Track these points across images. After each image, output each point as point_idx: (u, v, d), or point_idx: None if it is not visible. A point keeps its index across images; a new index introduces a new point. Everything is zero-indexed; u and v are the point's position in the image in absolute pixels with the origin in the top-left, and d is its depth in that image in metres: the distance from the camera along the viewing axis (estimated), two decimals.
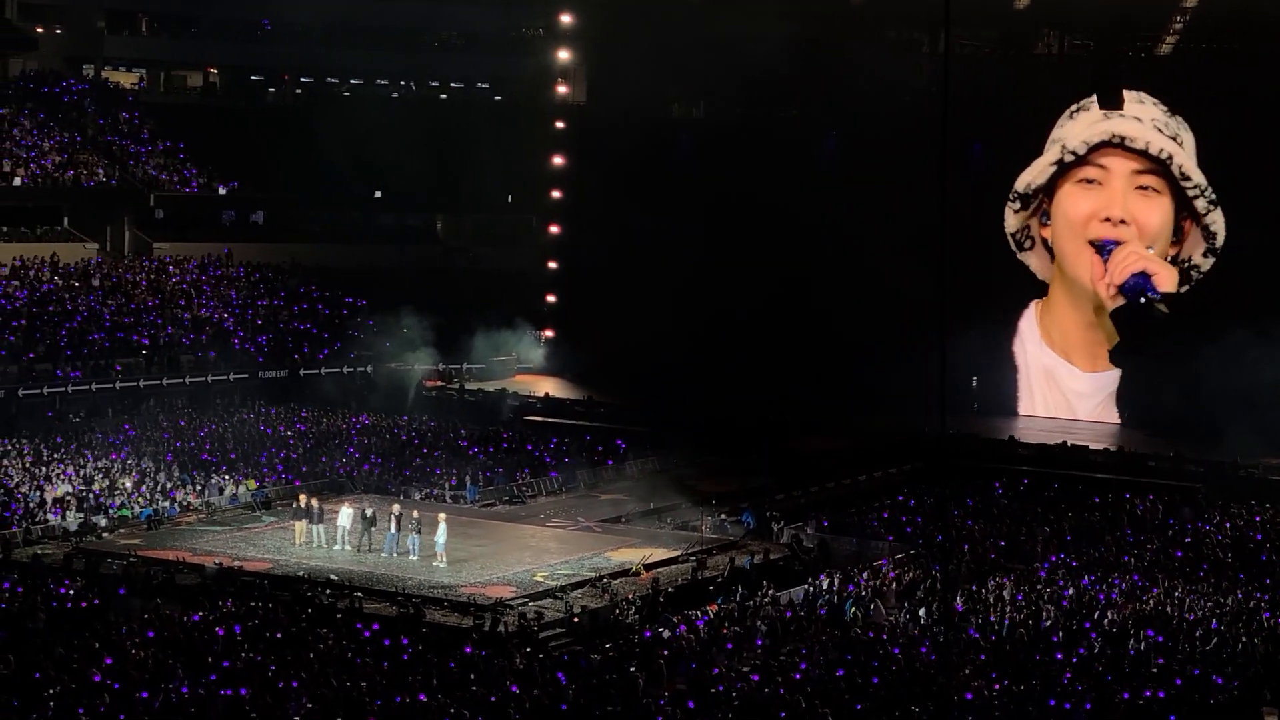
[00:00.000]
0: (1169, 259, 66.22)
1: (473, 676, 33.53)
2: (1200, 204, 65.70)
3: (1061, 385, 69.81)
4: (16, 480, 51.10)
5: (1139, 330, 66.68)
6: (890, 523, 49.83)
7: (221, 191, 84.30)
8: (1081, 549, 46.59)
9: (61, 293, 71.42)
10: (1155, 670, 34.93)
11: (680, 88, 78.28)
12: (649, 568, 44.37)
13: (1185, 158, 65.73)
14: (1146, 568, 44.33)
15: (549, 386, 72.76)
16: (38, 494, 49.46)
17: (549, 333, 78.86)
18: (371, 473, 55.71)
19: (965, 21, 67.98)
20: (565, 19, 77.00)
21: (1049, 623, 38.56)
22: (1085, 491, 54.19)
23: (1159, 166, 66.17)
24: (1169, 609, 39.84)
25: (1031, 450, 60.68)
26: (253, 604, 39.29)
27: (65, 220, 79.15)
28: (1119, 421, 67.91)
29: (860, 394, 68.91)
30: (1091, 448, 60.60)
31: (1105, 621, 38.67)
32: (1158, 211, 66.37)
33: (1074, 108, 67.95)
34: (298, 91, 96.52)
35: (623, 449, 60.58)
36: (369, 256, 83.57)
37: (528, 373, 76.87)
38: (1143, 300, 65.95)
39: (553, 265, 79.21)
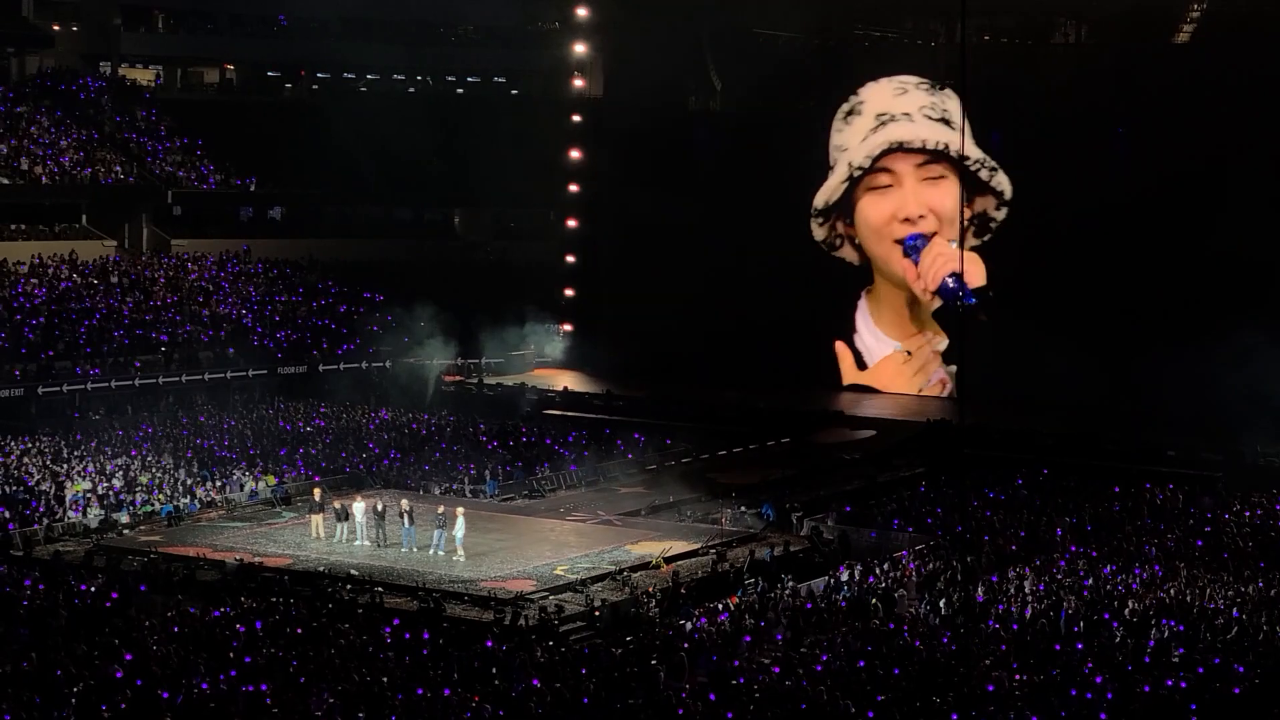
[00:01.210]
0: (968, 221, 67.82)
1: (494, 670, 33.55)
2: (984, 174, 68.36)
3: (904, 365, 71.16)
4: (37, 478, 51.23)
5: (960, 330, 67.80)
6: (910, 514, 49.78)
7: (239, 188, 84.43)
8: (1102, 539, 46.47)
9: (80, 290, 71.58)
10: (1176, 660, 34.88)
11: (697, 80, 78.15)
12: (669, 561, 44.37)
13: (957, 137, 67.67)
14: (1167, 557, 44.23)
15: (567, 380, 72.73)
16: (58, 491, 49.58)
17: (567, 326, 78.83)
18: (391, 468, 55.77)
19: (982, 12, 67.94)
20: (581, 12, 76.91)
21: (1069, 613, 38.50)
22: (1105, 482, 54.05)
23: (940, 156, 68.48)
24: (1190, 598, 39.76)
25: (1052, 440, 60.55)
26: (273, 600, 39.36)
27: (83, 218, 79.35)
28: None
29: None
30: (1110, 436, 60.46)
31: (1126, 611, 38.60)
32: (949, 195, 68.74)
33: (845, 110, 70.43)
34: (314, 87, 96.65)
35: (641, 442, 60.56)
36: (387, 251, 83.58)
37: (546, 366, 76.86)
38: (960, 307, 67.31)
39: (571, 259, 79.15)
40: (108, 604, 38.41)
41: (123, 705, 30.72)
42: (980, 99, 62.71)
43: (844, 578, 42.18)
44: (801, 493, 53.26)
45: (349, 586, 41.25)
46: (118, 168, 79.75)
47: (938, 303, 69.52)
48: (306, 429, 61.58)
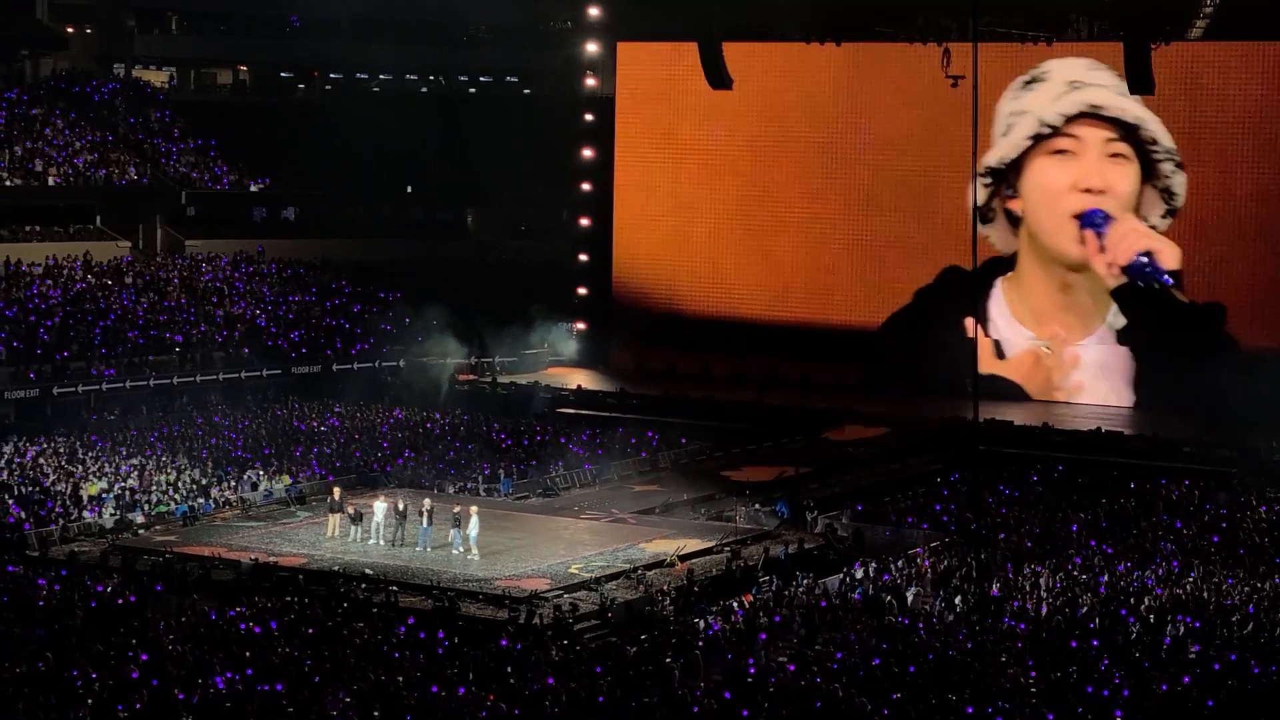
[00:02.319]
0: (1137, 197, 66.76)
1: (508, 669, 33.56)
2: (1166, 167, 66.55)
3: (1043, 361, 69.53)
4: (52, 478, 51.33)
5: (1146, 310, 66.79)
6: (925, 511, 49.75)
7: (253, 188, 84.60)
8: (1117, 535, 46.41)
9: (94, 291, 71.68)
10: (1192, 656, 34.81)
11: (708, 78, 77.93)
12: (683, 559, 44.37)
13: (1154, 122, 66.39)
14: (1183, 553, 44.16)
15: (581, 379, 72.72)
16: (73, 491, 49.67)
17: (581, 325, 78.85)
18: (405, 467, 55.80)
19: (993, 7, 67.82)
20: (593, 11, 76.88)
21: (1085, 609, 38.45)
22: (1120, 478, 53.99)
23: (1129, 133, 66.88)
24: (1206, 594, 39.69)
25: (1065, 437, 60.53)
26: (288, 599, 39.39)
27: (97, 219, 79.45)
28: (1130, 405, 67.64)
29: (894, 382, 69.10)
30: (1126, 433, 60.43)
31: (1142, 608, 38.54)
32: (1129, 177, 66.97)
33: (1025, 79, 68.40)
34: (327, 88, 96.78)
35: (655, 441, 60.57)
36: (400, 251, 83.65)
37: (559, 365, 76.84)
38: (1155, 285, 65.94)
39: (583, 258, 79.15)
40: (123, 604, 38.47)
41: (138, 705, 30.75)
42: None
43: (859, 575, 42.15)
44: (816, 490, 53.26)
45: (364, 586, 41.29)
46: (131, 169, 79.88)
47: (1108, 283, 67.01)
48: (320, 429, 61.64)
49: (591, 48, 77.49)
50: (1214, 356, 64.29)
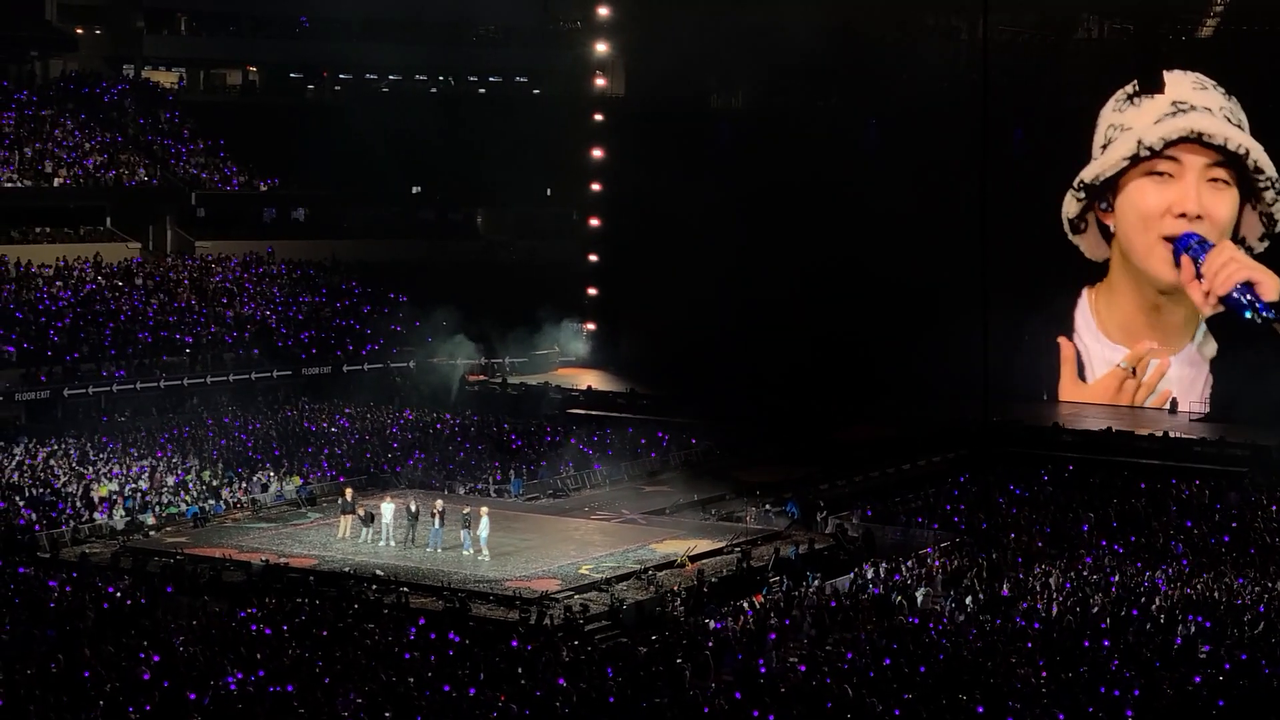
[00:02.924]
0: (1233, 223, 65.89)
1: (519, 670, 33.57)
2: (1269, 195, 65.36)
3: (1125, 385, 68.81)
4: (64, 480, 51.39)
5: (1241, 340, 65.46)
6: (935, 511, 49.71)
7: (262, 189, 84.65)
8: (1128, 535, 46.37)
9: (105, 292, 71.76)
10: (1203, 656, 34.77)
11: (718, 78, 78.11)
12: (694, 559, 44.37)
13: (1259, 150, 65.24)
14: (1193, 553, 44.12)
15: (591, 379, 72.78)
16: (84, 493, 49.73)
17: (591, 325, 78.85)
18: (415, 468, 55.82)
19: (1004, 7, 67.75)
20: (602, 11, 76.92)
21: (1096, 609, 38.41)
22: (1130, 478, 53.95)
23: (1232, 160, 65.60)
24: (1216, 594, 39.64)
25: (1076, 437, 60.45)
26: (299, 600, 39.43)
27: (108, 220, 79.54)
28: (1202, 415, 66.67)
29: (905, 382, 68.96)
30: (1137, 433, 60.38)
31: (1153, 608, 38.50)
32: (1228, 204, 65.87)
33: (1129, 91, 67.20)
34: (337, 88, 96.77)
35: (665, 441, 60.57)
36: (410, 251, 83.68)
37: (570, 366, 76.89)
38: (1258, 319, 64.97)
39: (593, 258, 79.15)
40: (134, 605, 38.52)
41: (149, 707, 30.77)
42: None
43: (869, 575, 42.14)
44: (826, 490, 53.24)
45: (374, 587, 41.32)
46: (141, 170, 79.95)
47: (1205, 312, 66.49)
48: (331, 429, 61.67)
49: (601, 47, 77.48)
50: None
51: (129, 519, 47.95)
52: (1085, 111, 68.05)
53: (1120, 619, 37.64)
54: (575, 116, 79.05)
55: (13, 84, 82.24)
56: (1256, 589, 40.19)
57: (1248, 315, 65.03)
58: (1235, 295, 65.20)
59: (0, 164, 75.35)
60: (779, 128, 74.00)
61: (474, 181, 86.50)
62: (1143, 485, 52.91)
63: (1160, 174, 66.77)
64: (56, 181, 76.75)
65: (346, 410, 65.13)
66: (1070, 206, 68.64)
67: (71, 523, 47.28)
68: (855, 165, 71.55)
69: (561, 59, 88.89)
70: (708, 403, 66.16)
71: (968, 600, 39.50)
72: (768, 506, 50.59)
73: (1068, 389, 69.63)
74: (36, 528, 46.40)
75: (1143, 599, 39.21)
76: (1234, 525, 47.41)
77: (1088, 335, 69.33)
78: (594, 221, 79.24)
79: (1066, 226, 68.62)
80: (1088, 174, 68.05)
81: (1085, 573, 41.92)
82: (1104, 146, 68.06)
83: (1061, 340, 69.46)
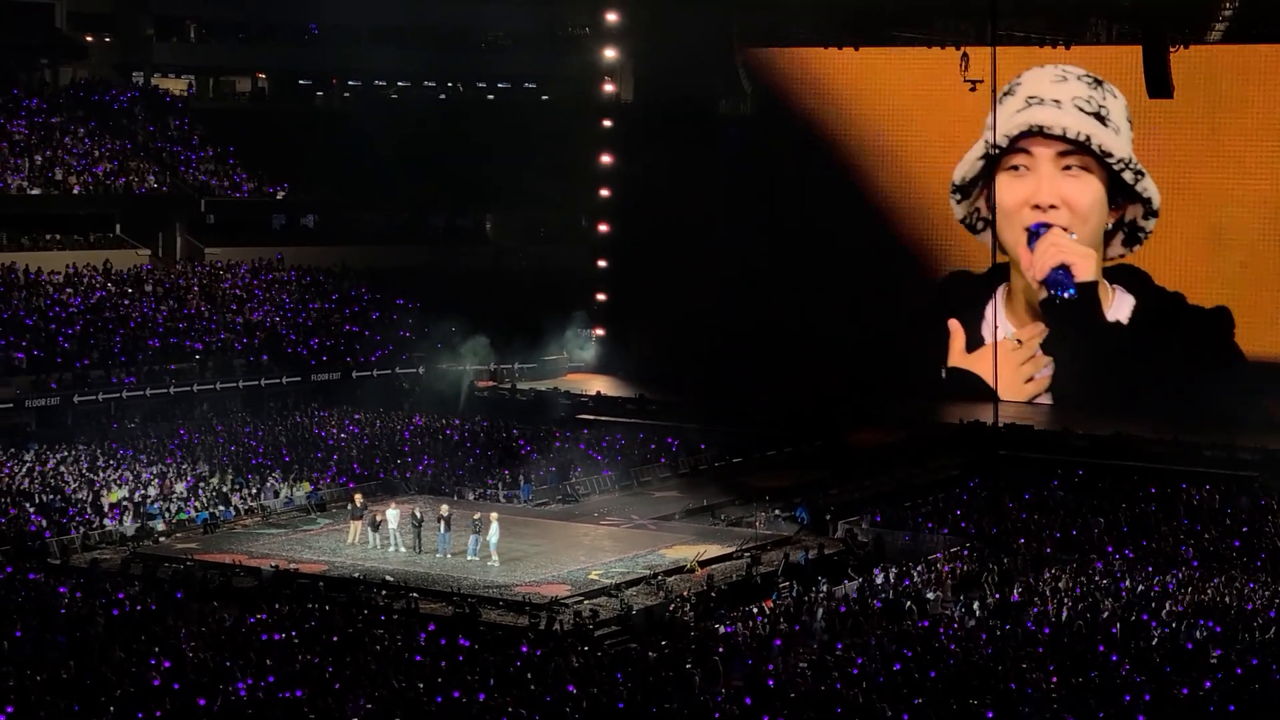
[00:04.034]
0: (1111, 226, 67.47)
1: (529, 676, 33.57)
2: (1127, 176, 67.18)
3: (1012, 354, 69.94)
4: (74, 486, 51.46)
5: (1066, 323, 68.02)
6: (945, 516, 49.68)
7: (273, 196, 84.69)
8: (1138, 540, 46.32)
9: (115, 299, 71.86)
10: (1214, 661, 34.72)
11: (727, 83, 78.03)
12: (703, 564, 44.35)
13: (1106, 134, 66.99)
14: (1204, 558, 44.06)
15: (600, 385, 72.78)
16: (94, 499, 49.78)
17: (600, 331, 78.87)
18: (425, 473, 55.85)
19: (1013, 12, 67.82)
20: (611, 17, 76.90)
21: (1106, 614, 38.37)
22: (1140, 482, 53.89)
23: (1080, 147, 67.47)
24: (1227, 599, 39.59)
25: (1086, 441, 60.41)
26: (309, 606, 39.45)
27: (117, 227, 79.64)
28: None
29: (914, 385, 69.19)
30: (1145, 437, 60.32)
31: (1163, 612, 38.45)
32: (1088, 190, 67.74)
33: (1004, 90, 68.15)
34: (346, 94, 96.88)
35: (675, 446, 60.56)
36: (419, 257, 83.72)
37: (579, 371, 76.90)
38: (1065, 298, 67.43)
39: (602, 263, 79.16)
40: (144, 611, 38.55)
41: (160, 713, 30.81)
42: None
43: (879, 580, 42.12)
44: (836, 495, 53.21)
45: (384, 592, 41.33)
46: (151, 177, 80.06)
47: (1038, 295, 68.77)
48: (340, 435, 61.71)
49: (610, 53, 77.47)
50: (1219, 364, 65.41)
51: (139, 525, 47.98)
52: None
53: (1131, 624, 37.59)
54: (584, 122, 79.02)
55: (23, 91, 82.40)
56: (1267, 593, 40.13)
57: (1064, 295, 67.48)
58: (1050, 275, 67.74)
59: (11, 171, 75.49)
60: (787, 132, 73.94)
61: (483, 187, 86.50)
62: (1153, 489, 52.85)
63: (1016, 168, 68.68)
64: (68, 189, 76.84)
65: (356, 416, 65.16)
66: (955, 209, 70.53)
67: (81, 529, 47.33)
68: (862, 169, 71.75)
69: (570, 65, 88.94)
70: (717, 408, 66.19)
71: (976, 605, 39.47)
72: (777, 512, 50.57)
73: (956, 358, 70.89)
74: (47, 534, 46.43)
75: (1153, 604, 39.16)
76: (1244, 529, 47.36)
77: (992, 320, 70.31)
78: (603, 227, 79.21)
79: (965, 228, 70.52)
80: (956, 175, 70.13)
81: (1095, 577, 41.88)
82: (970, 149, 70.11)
83: (950, 321, 71.06)
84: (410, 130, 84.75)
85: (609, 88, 78.19)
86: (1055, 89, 67.96)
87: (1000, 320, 69.47)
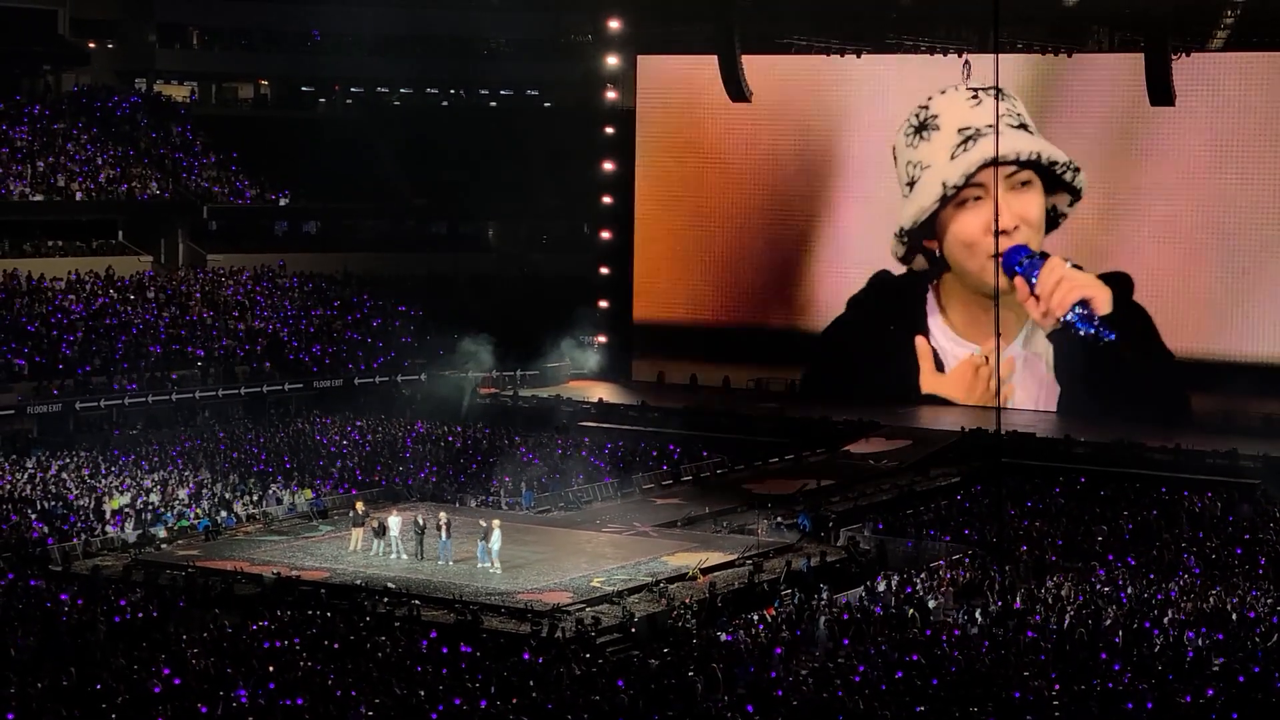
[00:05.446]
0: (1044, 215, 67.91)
1: (531, 683, 33.56)
2: (1068, 176, 67.62)
3: (980, 371, 69.98)
4: (76, 493, 51.44)
5: (1080, 355, 67.60)
6: (947, 524, 49.65)
7: (275, 202, 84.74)
8: (1140, 547, 46.29)
9: (117, 305, 71.89)
10: (1216, 669, 34.70)
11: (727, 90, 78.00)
12: (706, 572, 44.33)
13: (1040, 143, 67.54)
14: (1206, 565, 44.02)
15: (602, 392, 72.76)
16: (96, 506, 49.76)
17: (602, 338, 78.85)
18: (427, 480, 55.83)
19: (1015, 20, 67.80)
20: (613, 24, 76.92)
21: (1108, 622, 38.35)
22: (1142, 490, 53.87)
23: (1031, 164, 67.86)
24: (1229, 607, 39.56)
25: (1088, 448, 60.38)
26: (311, 613, 39.43)
27: (120, 233, 79.75)
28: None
29: (916, 393, 69.31)
30: (1146, 444, 60.32)
31: (1165, 620, 38.43)
32: (1034, 200, 68.25)
33: (914, 123, 69.41)
34: (348, 102, 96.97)
35: (677, 453, 60.54)
36: (421, 264, 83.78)
37: (581, 378, 76.87)
38: (1100, 343, 66.88)
39: (604, 270, 79.17)
40: (146, 618, 38.53)
41: None
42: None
43: (881, 588, 42.10)
44: (838, 503, 53.19)
45: (386, 600, 41.31)
46: (153, 184, 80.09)
47: (1045, 328, 68.27)
48: (342, 442, 61.69)
49: (612, 60, 77.50)
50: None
51: (141, 532, 47.97)
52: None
53: (1133, 631, 37.58)
54: (586, 130, 79.06)
55: (26, 98, 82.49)
56: (1270, 601, 40.12)
57: (1089, 332, 67.09)
58: (1073, 317, 67.35)
59: (14, 178, 75.55)
60: (790, 137, 73.97)
61: (485, 195, 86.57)
62: (1155, 497, 52.83)
63: (970, 200, 68.78)
64: (71, 195, 76.89)
65: (358, 423, 65.15)
66: (896, 250, 70.65)
67: (83, 536, 47.29)
68: (865, 176, 71.73)
69: (573, 72, 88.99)
70: (719, 415, 66.15)
71: (978, 613, 39.45)
72: (779, 519, 50.53)
73: (928, 382, 70.71)
74: (49, 541, 46.40)
75: (1155, 611, 39.15)
76: (1246, 537, 47.31)
77: (939, 333, 70.56)
78: (605, 234, 79.22)
79: (897, 261, 70.73)
80: (905, 220, 70.20)
81: (1097, 585, 41.86)
82: (910, 184, 70.12)
83: (918, 339, 70.76)
84: (412, 137, 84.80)
85: (611, 95, 78.19)
86: (977, 114, 67.91)
87: (940, 327, 69.97)
